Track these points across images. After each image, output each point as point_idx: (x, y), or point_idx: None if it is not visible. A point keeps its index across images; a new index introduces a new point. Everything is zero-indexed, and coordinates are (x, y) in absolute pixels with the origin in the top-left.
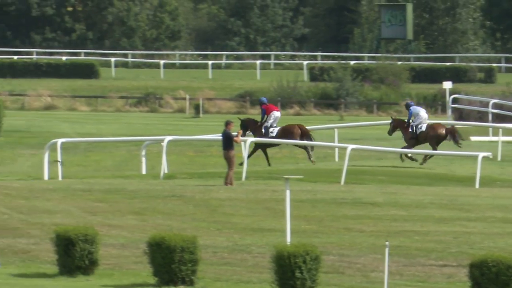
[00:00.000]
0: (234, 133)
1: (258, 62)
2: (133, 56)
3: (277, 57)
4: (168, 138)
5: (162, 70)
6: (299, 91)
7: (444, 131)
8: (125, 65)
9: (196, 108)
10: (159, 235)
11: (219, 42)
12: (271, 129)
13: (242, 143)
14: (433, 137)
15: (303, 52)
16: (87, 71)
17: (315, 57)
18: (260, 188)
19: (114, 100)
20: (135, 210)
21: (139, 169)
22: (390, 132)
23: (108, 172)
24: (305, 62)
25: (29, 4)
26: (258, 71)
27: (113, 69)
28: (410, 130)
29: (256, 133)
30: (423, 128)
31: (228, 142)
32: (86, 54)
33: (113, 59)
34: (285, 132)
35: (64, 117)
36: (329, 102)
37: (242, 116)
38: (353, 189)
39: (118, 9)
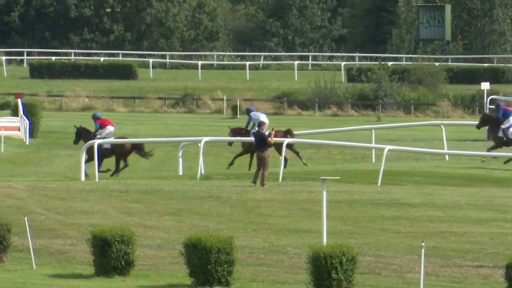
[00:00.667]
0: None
1: (296, 63)
2: (171, 57)
3: (315, 58)
4: (205, 139)
5: (200, 71)
6: (337, 92)
7: None
8: (163, 66)
9: (234, 109)
10: (195, 236)
11: (257, 43)
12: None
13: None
14: None
15: (341, 53)
16: (125, 72)
17: (353, 58)
18: (296, 189)
19: (152, 101)
20: (171, 211)
21: (176, 170)
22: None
23: (145, 173)
24: (343, 63)
25: (67, 5)
26: (295, 72)
27: (151, 70)
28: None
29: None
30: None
31: (261, 142)
32: (124, 55)
33: (151, 60)
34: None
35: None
36: (366, 103)
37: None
38: (390, 190)
39: (157, 10)
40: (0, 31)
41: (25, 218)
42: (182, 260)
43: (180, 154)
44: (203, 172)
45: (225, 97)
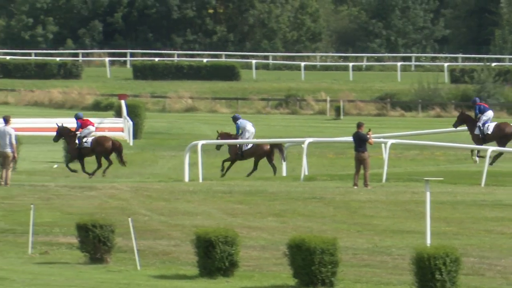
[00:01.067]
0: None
1: (398, 64)
2: (274, 58)
3: (417, 59)
4: (308, 140)
5: (302, 72)
6: (440, 93)
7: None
8: (265, 67)
9: (337, 110)
10: (299, 237)
11: (360, 44)
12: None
13: (382, 144)
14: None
15: (444, 54)
16: (228, 73)
17: (456, 59)
18: (400, 190)
19: (255, 102)
20: (275, 212)
21: (279, 171)
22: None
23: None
24: (445, 64)
25: (170, 7)
26: (398, 73)
27: (253, 71)
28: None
29: (231, 148)
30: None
31: (361, 143)
32: (227, 56)
33: (253, 61)
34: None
35: (205, 119)
36: (470, 104)
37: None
38: (494, 191)
39: (259, 11)
40: (104, 32)
41: (129, 219)
42: (286, 261)
43: (284, 155)
44: (306, 173)
45: (328, 98)
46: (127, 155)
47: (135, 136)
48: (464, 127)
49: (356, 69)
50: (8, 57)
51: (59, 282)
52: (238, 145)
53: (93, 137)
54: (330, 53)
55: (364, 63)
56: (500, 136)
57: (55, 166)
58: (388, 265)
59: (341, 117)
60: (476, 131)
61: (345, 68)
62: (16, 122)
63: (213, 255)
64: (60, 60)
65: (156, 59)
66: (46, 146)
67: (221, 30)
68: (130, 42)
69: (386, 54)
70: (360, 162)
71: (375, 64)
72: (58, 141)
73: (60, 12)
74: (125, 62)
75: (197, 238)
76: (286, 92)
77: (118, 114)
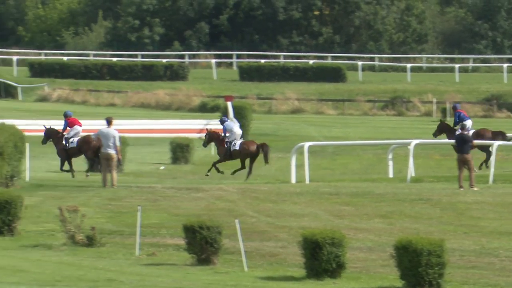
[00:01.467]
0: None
1: (505, 65)
2: (380, 59)
3: None
4: (415, 141)
5: (408, 73)
6: None
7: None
8: (371, 68)
9: (443, 111)
10: (406, 239)
11: (466, 45)
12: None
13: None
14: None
15: None
16: (334, 75)
17: None
18: (507, 192)
19: (361, 103)
20: (382, 213)
21: (386, 173)
22: None
23: (355, 175)
24: None
25: (276, 8)
26: (505, 74)
27: (359, 72)
28: None
29: (219, 148)
30: None
31: (465, 145)
32: (333, 57)
33: (359, 63)
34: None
35: (311, 120)
36: None
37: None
38: None
39: (365, 13)
40: (210, 34)
41: (236, 220)
42: (392, 263)
43: (390, 156)
44: (413, 175)
45: (434, 100)
46: None
47: (242, 137)
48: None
49: (462, 70)
50: (114, 59)
51: (166, 284)
52: (226, 145)
53: (79, 138)
54: (436, 54)
55: (470, 65)
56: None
57: (162, 167)
58: (495, 267)
59: (448, 118)
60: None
61: (451, 70)
62: (123, 124)
63: (320, 256)
64: (166, 61)
65: (262, 60)
66: (152, 148)
67: (327, 31)
68: (236, 43)
69: (492, 56)
70: (463, 163)
71: (481, 66)
72: (46, 143)
73: (166, 14)
74: (231, 63)
75: (304, 240)
76: (392, 94)
77: (225, 116)
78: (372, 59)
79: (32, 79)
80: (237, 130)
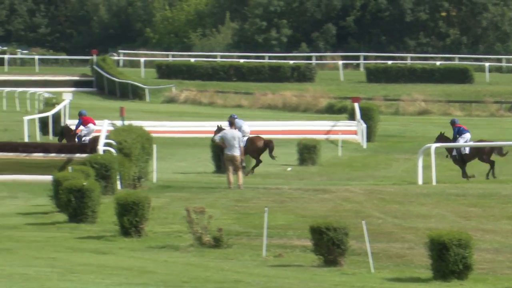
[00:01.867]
0: None
1: None
2: (507, 60)
3: None
4: None
5: None
6: None
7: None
8: (499, 69)
9: None
10: None
11: None
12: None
13: None
14: None
15: None
16: (461, 76)
17: None
18: None
19: (489, 105)
20: (509, 214)
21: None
22: None
23: (483, 177)
24: None
25: (403, 10)
26: None
27: (487, 73)
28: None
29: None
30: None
31: None
32: (460, 59)
33: (487, 64)
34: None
35: (438, 122)
36: None
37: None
38: None
39: (492, 14)
40: (337, 36)
41: (363, 222)
42: None
43: None
44: None
45: None
46: (360, 157)
47: (369, 139)
48: None
49: None
50: (242, 60)
51: (293, 285)
52: None
53: (91, 137)
54: None
55: None
56: (481, 153)
57: (289, 169)
58: None
59: None
60: (454, 152)
61: None
62: (252, 125)
63: (447, 258)
64: (293, 63)
65: (389, 62)
66: (280, 149)
67: (454, 33)
68: (363, 45)
69: None
70: None
71: None
72: (62, 141)
73: (293, 15)
74: (358, 65)
75: (431, 241)
76: None
77: (352, 117)
78: (499, 60)
79: (160, 80)
80: (246, 129)
